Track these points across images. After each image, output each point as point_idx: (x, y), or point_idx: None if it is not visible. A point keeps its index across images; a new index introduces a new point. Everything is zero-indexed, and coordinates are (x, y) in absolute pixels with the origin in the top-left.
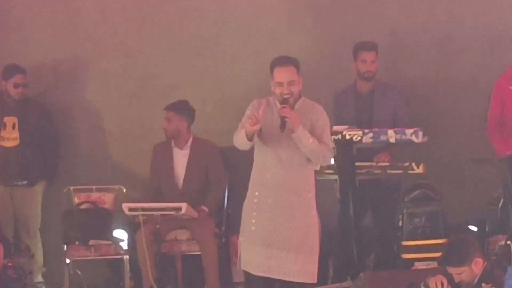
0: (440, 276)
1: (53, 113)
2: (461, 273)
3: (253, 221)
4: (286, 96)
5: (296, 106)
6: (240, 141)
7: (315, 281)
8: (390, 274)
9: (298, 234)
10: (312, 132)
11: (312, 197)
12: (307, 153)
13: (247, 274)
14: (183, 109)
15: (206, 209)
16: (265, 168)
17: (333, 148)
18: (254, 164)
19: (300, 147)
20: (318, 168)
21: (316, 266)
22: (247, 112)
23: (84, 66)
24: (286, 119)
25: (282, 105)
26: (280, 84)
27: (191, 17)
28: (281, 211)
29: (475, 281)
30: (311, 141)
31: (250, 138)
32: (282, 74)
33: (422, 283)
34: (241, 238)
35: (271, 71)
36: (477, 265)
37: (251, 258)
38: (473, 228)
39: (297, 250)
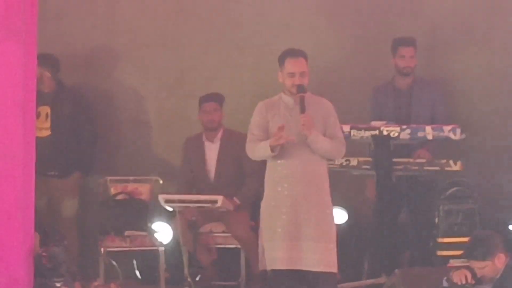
0: (464, 270)
1: (91, 103)
2: (483, 267)
3: (275, 217)
4: (299, 83)
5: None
6: (261, 154)
7: (335, 270)
8: (425, 271)
9: (316, 224)
10: (324, 127)
11: (328, 187)
12: (321, 154)
13: (274, 272)
14: (223, 101)
15: (237, 201)
16: (281, 165)
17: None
18: (268, 164)
19: (314, 149)
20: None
21: (335, 256)
22: (255, 118)
23: (123, 57)
24: (302, 125)
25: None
26: (292, 75)
27: (230, 9)
28: (298, 202)
29: (498, 276)
30: (324, 143)
31: (274, 150)
32: (295, 65)
33: (445, 278)
34: (264, 239)
35: (282, 62)
36: (500, 261)
37: (275, 254)
38: None
39: (316, 239)
